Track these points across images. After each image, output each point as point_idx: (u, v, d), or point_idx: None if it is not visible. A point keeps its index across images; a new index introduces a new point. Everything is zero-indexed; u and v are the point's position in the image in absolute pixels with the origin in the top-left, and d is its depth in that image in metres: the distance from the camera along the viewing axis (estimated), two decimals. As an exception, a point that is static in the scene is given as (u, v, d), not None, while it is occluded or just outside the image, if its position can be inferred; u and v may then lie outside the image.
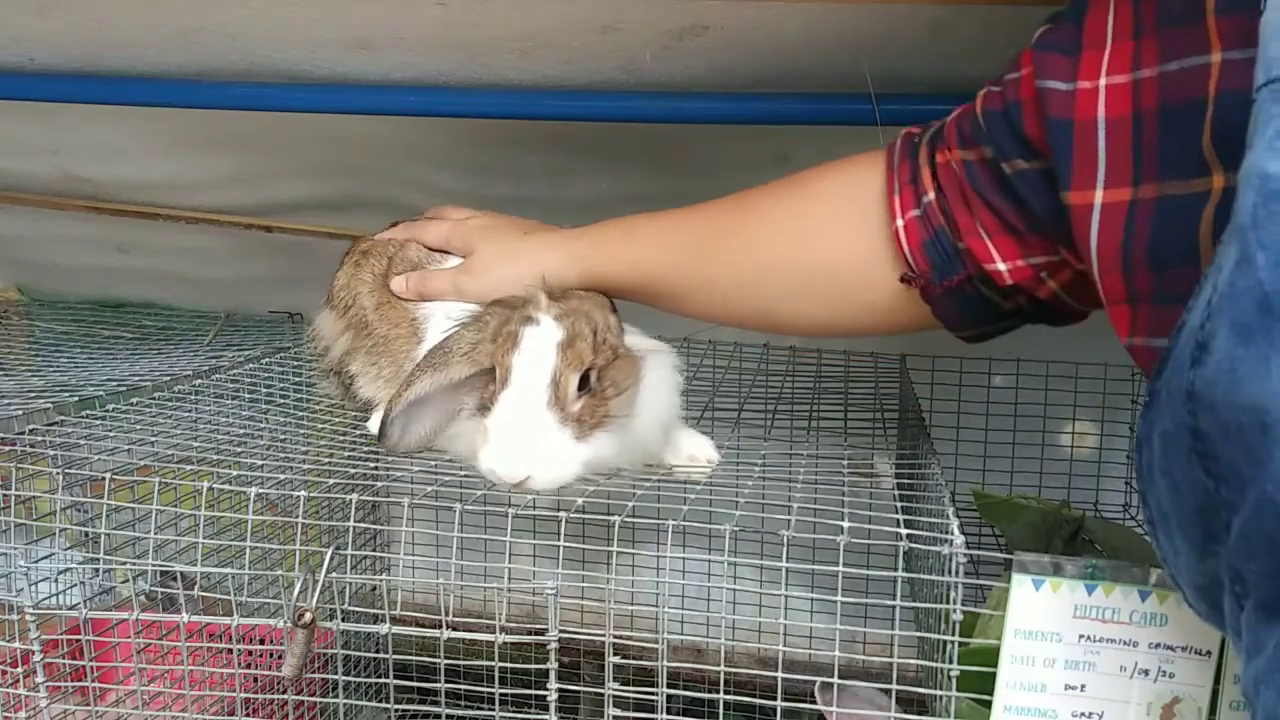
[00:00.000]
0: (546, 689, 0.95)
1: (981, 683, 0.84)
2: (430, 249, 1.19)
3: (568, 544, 0.89)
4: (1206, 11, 0.66)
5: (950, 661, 0.85)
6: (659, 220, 1.08)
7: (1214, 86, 0.65)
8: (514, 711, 0.98)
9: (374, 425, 1.17)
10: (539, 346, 0.95)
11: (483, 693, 1.01)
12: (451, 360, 0.98)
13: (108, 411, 1.17)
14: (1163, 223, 0.69)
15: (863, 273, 0.95)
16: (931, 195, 0.89)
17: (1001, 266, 0.86)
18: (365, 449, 1.11)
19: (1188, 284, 0.67)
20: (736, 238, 1.02)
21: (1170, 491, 0.61)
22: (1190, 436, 0.58)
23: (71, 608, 1.03)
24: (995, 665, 0.83)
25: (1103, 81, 0.73)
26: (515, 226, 1.17)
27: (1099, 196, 0.73)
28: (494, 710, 0.98)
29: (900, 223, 0.91)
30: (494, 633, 0.93)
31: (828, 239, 0.97)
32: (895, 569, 0.85)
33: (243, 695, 1.04)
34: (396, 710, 1.55)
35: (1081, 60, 0.75)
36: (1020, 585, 0.82)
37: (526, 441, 0.92)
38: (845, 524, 0.85)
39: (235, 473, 1.02)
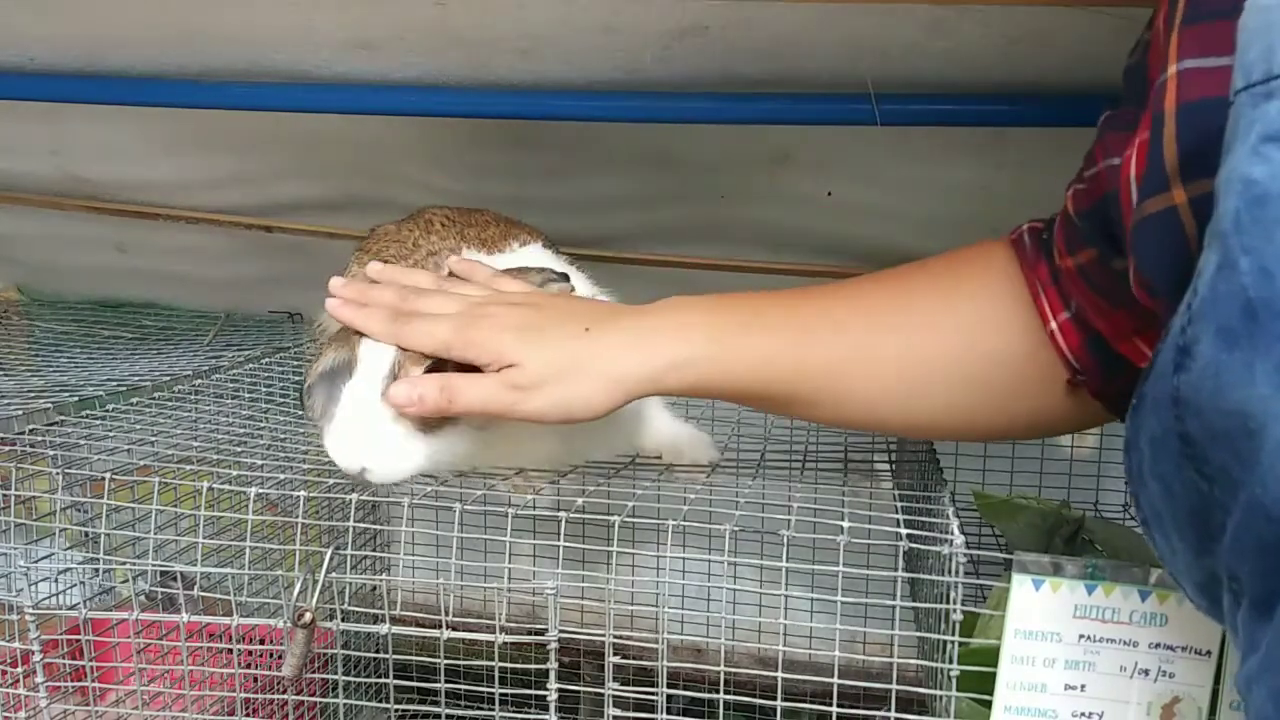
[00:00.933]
0: (546, 689, 0.95)
1: (981, 683, 0.84)
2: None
3: (568, 544, 0.89)
4: (1173, 29, 0.65)
5: (950, 661, 0.85)
6: (784, 307, 0.89)
7: (1172, 101, 0.64)
8: (514, 711, 0.98)
9: None
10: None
11: (483, 693, 1.01)
12: (350, 337, 0.93)
13: (108, 411, 1.17)
14: (1141, 248, 0.68)
15: (1028, 374, 0.86)
16: (1077, 299, 0.84)
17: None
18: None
19: None
20: (888, 334, 0.87)
21: (1164, 493, 0.61)
22: (1179, 441, 0.58)
23: (71, 608, 1.03)
24: (995, 665, 0.83)
25: (1137, 141, 0.71)
26: (554, 313, 0.91)
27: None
28: (494, 710, 0.98)
29: (1054, 325, 0.85)
30: (494, 633, 0.94)
31: (987, 337, 0.86)
32: (895, 569, 0.85)
33: (243, 695, 1.04)
34: (396, 710, 1.55)
35: (1137, 133, 0.72)
36: (1020, 585, 0.82)
37: (363, 432, 0.89)
38: (845, 524, 0.85)
39: (235, 473, 1.02)
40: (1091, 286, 0.81)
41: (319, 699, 1.35)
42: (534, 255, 1.17)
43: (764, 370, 0.86)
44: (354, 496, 0.94)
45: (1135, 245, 0.68)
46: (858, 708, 0.92)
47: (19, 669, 1.01)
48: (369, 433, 0.89)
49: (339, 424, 0.90)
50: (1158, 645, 0.81)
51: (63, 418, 1.13)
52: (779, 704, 0.90)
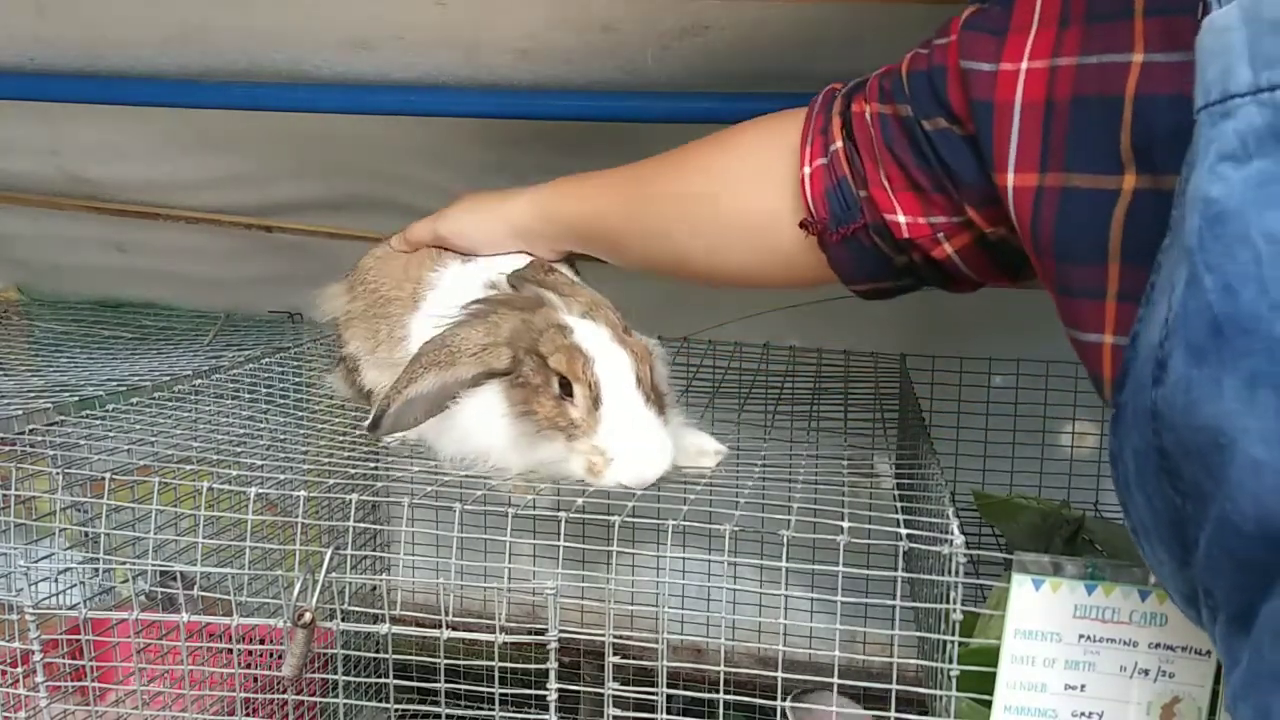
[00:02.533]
0: (546, 689, 0.95)
1: (981, 683, 0.84)
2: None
3: (568, 544, 0.89)
4: (1135, 13, 0.68)
5: (950, 661, 0.85)
6: (607, 173, 1.12)
7: (1132, 88, 0.66)
8: (514, 711, 0.98)
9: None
10: (609, 351, 0.97)
11: (483, 693, 1.01)
12: (459, 360, 0.98)
13: (108, 411, 1.17)
14: (1068, 214, 0.71)
15: (771, 221, 0.96)
16: (839, 144, 0.91)
17: (901, 219, 0.87)
18: (365, 449, 1.11)
19: (1092, 280, 0.69)
20: (661, 187, 1.05)
21: (1146, 506, 0.62)
22: (1158, 455, 0.59)
23: (71, 608, 1.03)
24: (995, 665, 0.83)
25: (1024, 65, 0.75)
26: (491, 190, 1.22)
27: (1010, 179, 0.75)
28: (494, 710, 0.98)
29: (807, 170, 0.93)
30: (494, 633, 0.93)
31: (743, 188, 0.99)
32: (895, 569, 0.85)
33: (243, 695, 1.04)
34: (396, 710, 1.55)
35: (1007, 42, 0.76)
36: (1020, 585, 0.82)
37: (653, 444, 0.96)
38: (845, 524, 0.85)
39: (235, 473, 1.02)
40: (884, 133, 0.88)
41: (319, 699, 1.35)
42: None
43: (583, 215, 1.11)
44: (354, 497, 0.94)
45: (1061, 211, 0.71)
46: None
47: (19, 669, 1.01)
48: (656, 442, 0.96)
49: (632, 447, 0.94)
50: (1158, 645, 0.81)
51: (63, 418, 1.13)
52: (779, 704, 0.90)
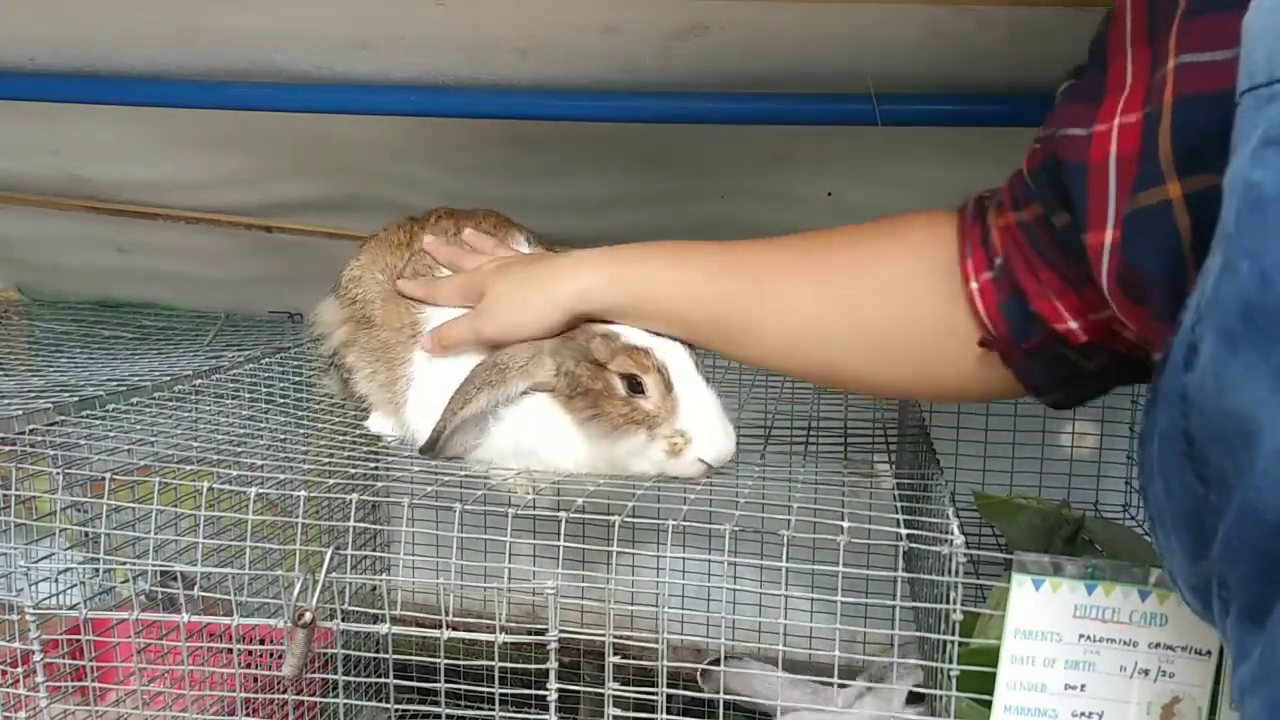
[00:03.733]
0: (546, 689, 0.95)
1: (981, 683, 0.85)
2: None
3: (568, 544, 0.89)
4: (1173, 23, 0.66)
5: (950, 661, 0.85)
6: (709, 248, 0.98)
7: (1170, 94, 0.64)
8: (514, 711, 0.98)
9: (374, 426, 1.17)
10: (663, 343, 1.00)
11: (483, 693, 1.01)
12: (509, 376, 0.99)
13: (108, 411, 1.17)
14: (1132, 239, 0.68)
15: (940, 334, 0.90)
16: (1004, 257, 0.87)
17: (1073, 325, 0.83)
18: (365, 449, 1.11)
19: (1179, 298, 0.67)
20: (805, 281, 0.94)
21: (1165, 492, 0.61)
22: (1183, 440, 0.58)
23: (71, 608, 1.03)
24: (995, 665, 0.83)
25: (1116, 121, 0.72)
26: (529, 258, 1.11)
27: (1109, 235, 0.72)
28: (494, 710, 0.98)
29: (975, 285, 0.88)
30: (494, 633, 0.94)
31: (903, 295, 0.91)
32: (895, 569, 0.85)
33: (243, 695, 1.04)
34: (396, 710, 1.55)
35: (1102, 105, 0.74)
36: (1020, 585, 0.82)
37: (726, 422, 1.00)
38: (845, 524, 0.85)
39: (235, 473, 1.02)
40: (1030, 240, 0.83)
41: (319, 699, 1.35)
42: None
43: (681, 296, 0.97)
44: (354, 497, 0.94)
45: (1125, 235, 0.69)
46: (858, 708, 0.92)
47: (19, 669, 1.01)
48: (726, 420, 1.00)
49: (710, 428, 0.98)
50: (1158, 645, 0.81)
51: (63, 418, 1.13)
52: (779, 703, 0.90)
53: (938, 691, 0.87)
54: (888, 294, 0.92)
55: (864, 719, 1.04)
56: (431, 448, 1.02)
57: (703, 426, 0.98)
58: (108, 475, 0.98)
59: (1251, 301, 0.52)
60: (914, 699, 1.05)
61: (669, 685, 0.91)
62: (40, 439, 1.08)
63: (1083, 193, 0.74)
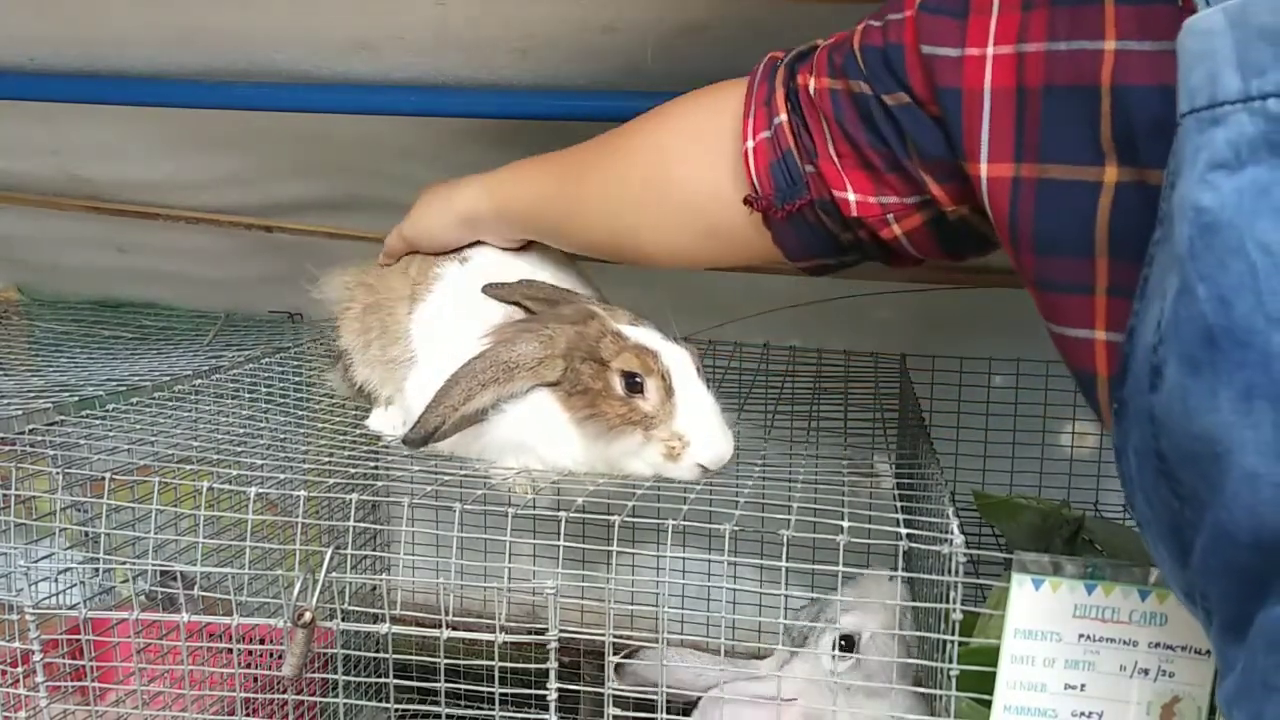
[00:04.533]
0: (546, 689, 0.95)
1: (981, 682, 0.85)
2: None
3: (568, 544, 0.89)
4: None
5: (950, 661, 0.85)
6: (551, 156, 1.09)
7: (1108, 77, 0.65)
8: (514, 711, 0.98)
9: (374, 424, 1.17)
10: (669, 347, 1.01)
11: (483, 692, 1.01)
12: (517, 375, 0.99)
13: (108, 411, 1.17)
14: (1047, 206, 0.69)
15: (714, 197, 0.94)
16: (784, 117, 0.89)
17: (851, 197, 0.85)
18: (365, 449, 1.11)
19: (1079, 274, 0.68)
20: (603, 167, 1.03)
21: (1146, 505, 0.62)
22: (1155, 457, 0.58)
23: (71, 608, 1.03)
24: (995, 665, 0.83)
25: (990, 50, 0.73)
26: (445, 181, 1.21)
27: (984, 170, 0.73)
28: (494, 710, 0.98)
29: (750, 144, 0.90)
30: (494, 632, 0.94)
31: (684, 163, 0.96)
32: (895, 569, 0.85)
33: (243, 695, 1.04)
34: (396, 710, 1.55)
35: (969, 25, 0.74)
36: (1020, 585, 0.82)
37: (724, 427, 1.00)
38: (845, 524, 0.85)
39: (235, 472, 1.02)
40: (835, 111, 0.85)
41: (319, 699, 1.35)
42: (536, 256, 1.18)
43: (527, 199, 1.10)
44: (354, 497, 0.94)
45: (1039, 203, 0.70)
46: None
47: (19, 669, 1.01)
48: (724, 423, 1.00)
49: (709, 430, 0.98)
50: (1157, 645, 0.81)
51: (63, 418, 1.13)
52: (779, 702, 0.90)
53: (938, 691, 0.87)
54: (669, 162, 0.97)
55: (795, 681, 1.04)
56: (424, 441, 1.00)
57: (701, 430, 0.98)
58: (108, 475, 0.98)
59: (1212, 326, 0.52)
60: (846, 646, 1.04)
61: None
62: (40, 439, 1.08)
63: (958, 120, 0.75)
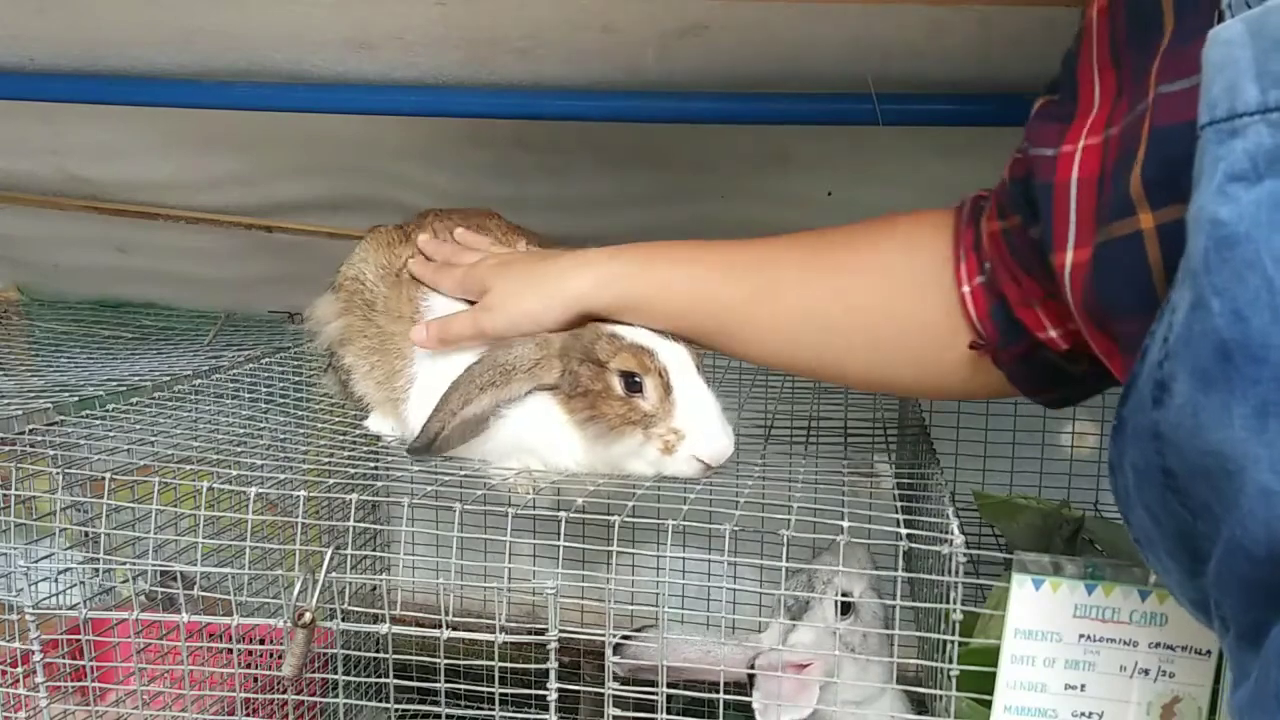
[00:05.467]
0: (546, 689, 0.95)
1: (981, 682, 0.85)
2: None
3: (568, 544, 0.89)
4: (1156, 53, 0.66)
5: (950, 661, 0.85)
6: (713, 248, 0.99)
7: (1147, 125, 0.64)
8: (514, 711, 0.98)
9: (373, 426, 1.17)
10: (666, 345, 1.00)
11: (483, 692, 1.01)
12: (514, 378, 0.99)
13: (108, 411, 1.17)
14: (1103, 270, 0.68)
15: (932, 335, 0.91)
16: (990, 264, 0.88)
17: (1053, 334, 0.84)
18: (365, 449, 1.11)
19: (1144, 329, 0.66)
20: (801, 278, 0.95)
21: (1150, 520, 0.61)
22: (1161, 474, 0.58)
23: (71, 608, 1.03)
24: (995, 665, 0.83)
25: (1081, 144, 0.73)
26: (530, 256, 1.11)
27: (1069, 258, 0.73)
28: (494, 710, 0.98)
29: (967, 289, 0.89)
30: (494, 633, 0.94)
31: (899, 294, 0.92)
32: (895, 569, 0.85)
33: (243, 695, 1.04)
34: (396, 710, 1.55)
35: (1071, 127, 0.75)
36: (1020, 585, 0.82)
37: (723, 422, 0.99)
38: (845, 524, 0.85)
39: (235, 473, 1.02)
40: (1011, 250, 0.84)
41: (319, 699, 1.35)
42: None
43: (692, 296, 0.98)
44: (354, 497, 0.94)
45: (1097, 266, 0.69)
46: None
47: (19, 669, 1.01)
48: (724, 420, 1.00)
49: (709, 426, 0.98)
50: (1158, 645, 0.81)
51: (63, 418, 1.13)
52: (779, 703, 0.90)
53: (938, 691, 0.87)
54: (884, 292, 0.93)
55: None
56: (427, 449, 1.00)
57: (699, 425, 0.98)
58: (108, 475, 0.98)
59: (1226, 340, 0.51)
60: (845, 609, 1.05)
61: (669, 685, 0.91)
62: (40, 439, 1.08)
63: (1049, 213, 0.74)
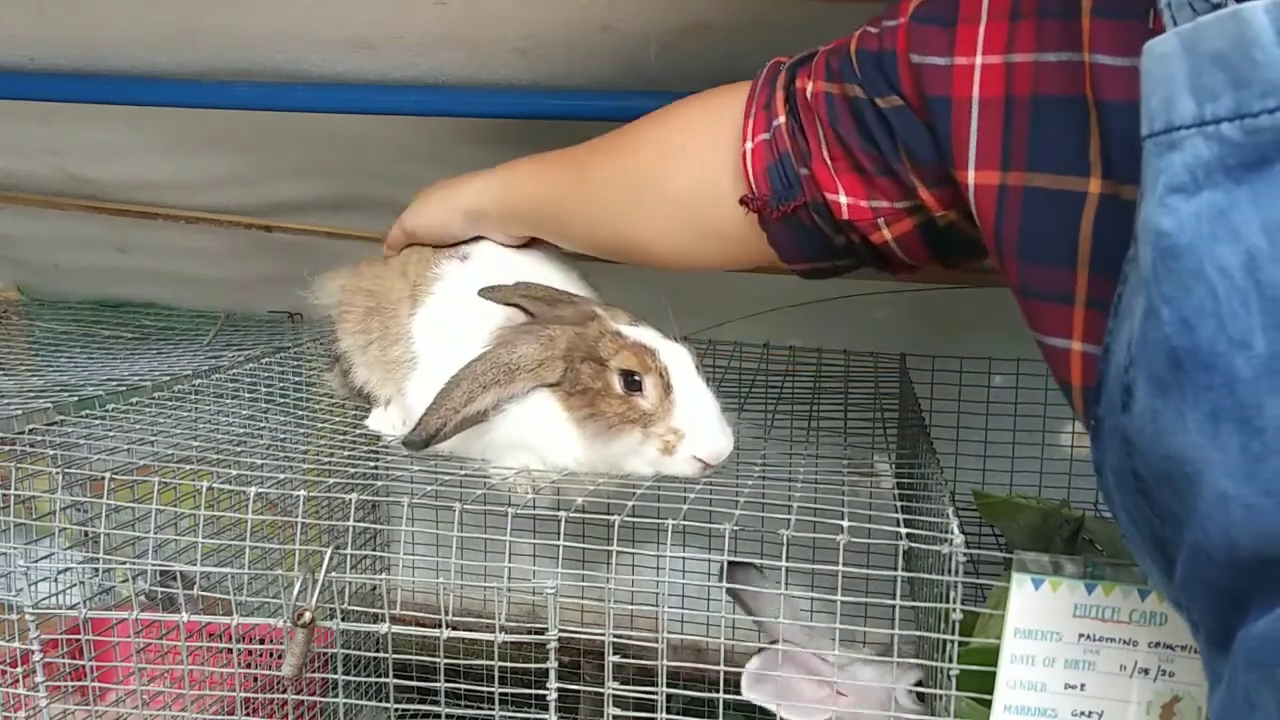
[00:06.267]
0: (546, 688, 0.95)
1: (981, 682, 0.84)
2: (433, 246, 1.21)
3: (568, 543, 0.89)
4: (1082, 11, 0.67)
5: (950, 661, 0.85)
6: (557, 154, 1.10)
7: (1091, 90, 0.66)
8: (514, 711, 0.98)
9: (374, 424, 1.17)
10: (668, 345, 1.01)
11: (483, 692, 1.01)
12: (517, 376, 0.99)
13: (108, 411, 1.17)
14: (1031, 214, 0.70)
15: (713, 197, 0.95)
16: (782, 119, 0.90)
17: (842, 200, 0.87)
18: (365, 449, 1.11)
19: (1061, 284, 0.68)
20: (607, 166, 1.03)
21: (1128, 521, 0.62)
22: (1133, 478, 0.59)
23: (71, 607, 1.03)
24: (995, 664, 0.83)
25: (978, 60, 0.74)
26: (451, 177, 1.21)
27: (971, 177, 0.75)
28: (494, 710, 0.98)
29: (748, 145, 0.92)
30: (494, 632, 0.94)
31: (685, 164, 0.97)
32: (895, 568, 0.85)
33: (243, 695, 1.04)
34: (396, 710, 1.55)
35: (958, 34, 0.75)
36: (1020, 584, 0.82)
37: (722, 422, 1.00)
38: (845, 523, 0.85)
39: (235, 472, 1.02)
40: (830, 114, 0.86)
41: (319, 699, 1.35)
42: (537, 255, 1.18)
43: (533, 197, 1.10)
44: (354, 496, 0.94)
45: (1026, 208, 0.71)
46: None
47: (19, 669, 1.01)
48: (722, 419, 1.00)
49: (707, 426, 0.98)
50: (1157, 644, 0.81)
51: (63, 418, 1.13)
52: (779, 703, 0.90)
53: (938, 691, 0.87)
54: (679, 157, 0.98)
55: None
56: (425, 444, 1.00)
57: (698, 424, 0.98)
58: (107, 475, 0.98)
59: (1177, 349, 0.52)
60: (919, 696, 1.04)
61: (669, 685, 0.91)
62: (40, 439, 1.08)
63: (946, 128, 0.76)
